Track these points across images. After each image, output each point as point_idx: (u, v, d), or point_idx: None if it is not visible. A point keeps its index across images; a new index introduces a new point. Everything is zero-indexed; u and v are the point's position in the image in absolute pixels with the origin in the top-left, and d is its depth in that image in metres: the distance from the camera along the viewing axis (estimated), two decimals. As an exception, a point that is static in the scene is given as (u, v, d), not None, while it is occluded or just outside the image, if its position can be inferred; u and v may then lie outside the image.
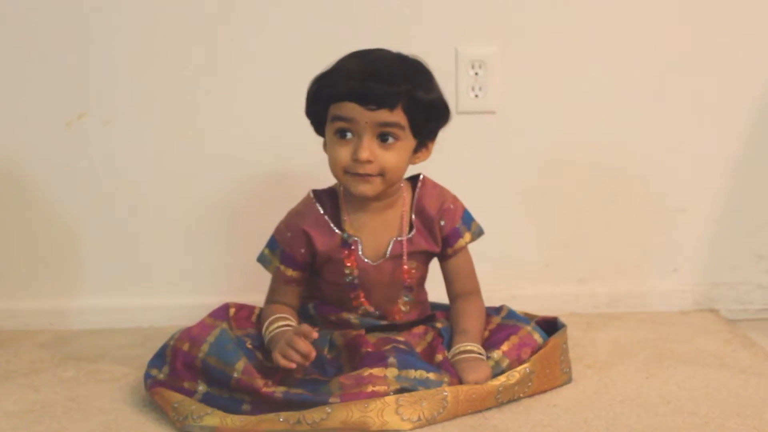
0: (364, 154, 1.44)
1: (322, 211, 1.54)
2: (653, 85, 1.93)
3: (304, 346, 1.38)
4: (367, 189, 1.48)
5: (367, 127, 1.44)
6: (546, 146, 1.94)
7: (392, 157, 1.46)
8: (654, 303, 1.96)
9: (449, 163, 1.88)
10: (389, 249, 1.54)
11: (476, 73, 1.92)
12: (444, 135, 1.76)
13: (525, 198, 1.96)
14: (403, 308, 1.57)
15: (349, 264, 1.53)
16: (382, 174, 1.47)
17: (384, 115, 1.44)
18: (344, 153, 1.46)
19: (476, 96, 1.92)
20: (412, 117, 1.45)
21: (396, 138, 1.46)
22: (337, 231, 1.53)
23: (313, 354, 1.38)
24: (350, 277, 1.53)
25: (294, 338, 1.39)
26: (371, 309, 1.55)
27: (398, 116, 1.44)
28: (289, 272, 1.55)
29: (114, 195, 1.95)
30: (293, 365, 1.38)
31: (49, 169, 1.94)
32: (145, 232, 1.96)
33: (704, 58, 1.92)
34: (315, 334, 1.40)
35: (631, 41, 1.92)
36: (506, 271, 1.95)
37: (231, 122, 1.93)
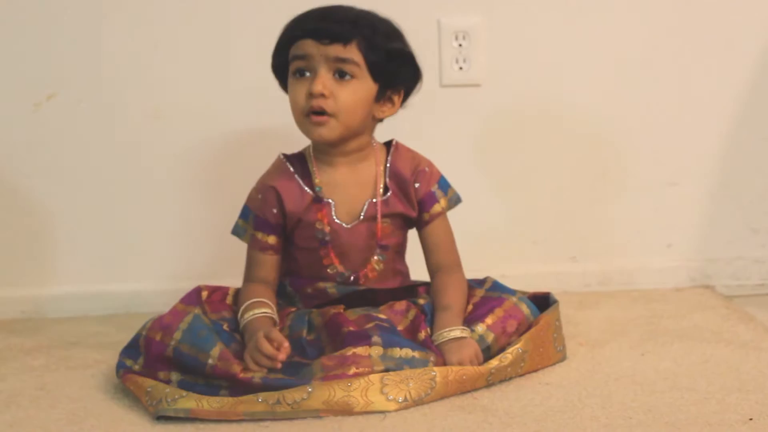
0: (318, 87, 1.43)
1: (292, 170, 1.51)
2: (643, 56, 1.88)
3: (269, 348, 1.34)
4: (323, 131, 1.45)
5: (322, 60, 1.44)
6: (533, 120, 1.90)
7: (348, 94, 1.44)
8: (647, 280, 1.92)
9: (433, 137, 1.85)
10: (364, 210, 1.51)
11: (460, 45, 1.86)
12: (428, 108, 1.73)
13: (512, 173, 1.91)
14: (376, 267, 1.52)
15: (320, 227, 1.49)
16: (336, 114, 1.44)
17: (338, 50, 1.43)
18: (301, 91, 1.46)
19: (460, 68, 1.87)
20: (368, 56, 1.45)
21: (352, 75, 1.44)
22: (308, 190, 1.50)
23: (281, 356, 1.33)
24: (321, 233, 1.50)
25: (261, 341, 1.35)
26: (342, 269, 1.51)
27: (353, 53, 1.44)
28: (265, 238, 1.51)
29: (86, 178, 1.89)
30: (264, 371, 1.34)
31: (18, 152, 1.88)
32: (119, 217, 1.90)
33: (695, 28, 1.88)
34: (287, 344, 1.35)
35: (619, 11, 1.87)
36: (494, 250, 1.90)
37: (206, 101, 1.87)
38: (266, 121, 1.84)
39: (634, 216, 1.92)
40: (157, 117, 1.87)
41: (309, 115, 1.45)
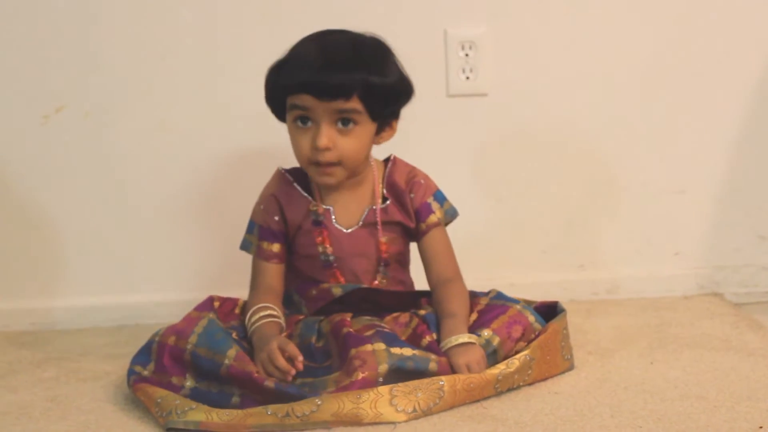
0: (322, 141, 1.45)
1: (291, 179, 1.54)
2: (650, 64, 1.88)
3: (282, 363, 1.35)
4: (329, 180, 1.49)
5: (325, 114, 1.45)
6: (540, 129, 1.89)
7: (351, 143, 1.46)
8: (656, 288, 1.91)
9: (440, 147, 1.85)
10: (363, 216, 1.53)
11: (466, 55, 1.86)
12: (435, 118, 1.73)
13: (519, 182, 1.91)
14: (379, 283, 1.54)
15: (320, 240, 1.52)
16: (341, 162, 1.47)
17: (340, 104, 1.44)
18: (305, 142, 1.47)
19: (467, 78, 1.87)
20: (368, 103, 1.45)
21: (356, 123, 1.46)
22: (307, 196, 1.53)
23: (293, 371, 1.35)
24: (324, 255, 1.52)
25: (275, 353, 1.36)
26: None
27: (354, 103, 1.45)
28: (269, 247, 1.54)
29: (94, 190, 1.90)
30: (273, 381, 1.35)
31: (27, 164, 1.88)
32: (128, 228, 1.91)
33: (702, 35, 1.88)
34: (300, 357, 1.36)
35: (626, 18, 1.87)
36: (502, 259, 1.90)
37: (213, 113, 1.88)
38: (274, 133, 1.82)
39: (642, 224, 1.92)
40: (163, 129, 1.88)
41: (315, 164, 1.47)
